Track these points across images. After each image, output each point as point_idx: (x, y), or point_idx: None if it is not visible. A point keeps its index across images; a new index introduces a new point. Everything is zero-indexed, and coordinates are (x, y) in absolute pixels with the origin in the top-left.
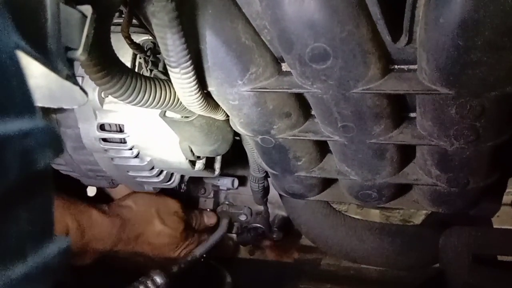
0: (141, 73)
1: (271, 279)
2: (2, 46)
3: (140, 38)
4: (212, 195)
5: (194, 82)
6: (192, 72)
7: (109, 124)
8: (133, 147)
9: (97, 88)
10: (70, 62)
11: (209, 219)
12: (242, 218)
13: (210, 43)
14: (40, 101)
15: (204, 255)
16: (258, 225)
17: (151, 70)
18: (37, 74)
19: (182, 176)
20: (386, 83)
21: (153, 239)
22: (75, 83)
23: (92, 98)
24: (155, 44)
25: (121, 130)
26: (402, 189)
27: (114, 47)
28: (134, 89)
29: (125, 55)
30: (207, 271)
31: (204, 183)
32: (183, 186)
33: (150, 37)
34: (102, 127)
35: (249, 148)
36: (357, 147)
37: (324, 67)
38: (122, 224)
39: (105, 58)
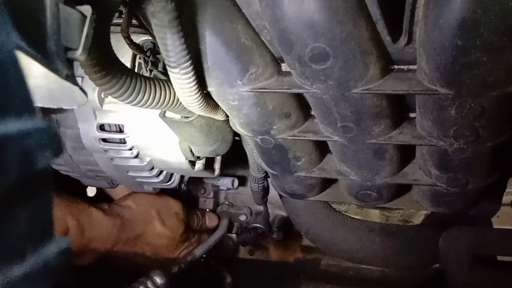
0: (140, 73)
1: (271, 279)
2: (2, 46)
3: (139, 38)
4: (212, 195)
5: (194, 82)
6: (192, 73)
7: (109, 125)
8: (132, 147)
9: (97, 88)
10: (70, 62)
11: (210, 221)
12: (242, 218)
13: (210, 43)
14: (39, 101)
15: (204, 255)
16: (258, 225)
17: (150, 70)
18: (36, 75)
19: (182, 176)
20: (386, 83)
21: (152, 239)
22: (75, 83)
23: (91, 99)
24: (154, 44)
25: (120, 131)
26: (402, 189)
27: (114, 47)
28: (134, 90)
29: (125, 55)
30: (207, 271)
31: (204, 183)
32: (183, 186)
33: (150, 37)
34: (101, 128)
35: (249, 148)
36: (357, 147)
37: (323, 67)
38: (122, 224)
39: (105, 58)
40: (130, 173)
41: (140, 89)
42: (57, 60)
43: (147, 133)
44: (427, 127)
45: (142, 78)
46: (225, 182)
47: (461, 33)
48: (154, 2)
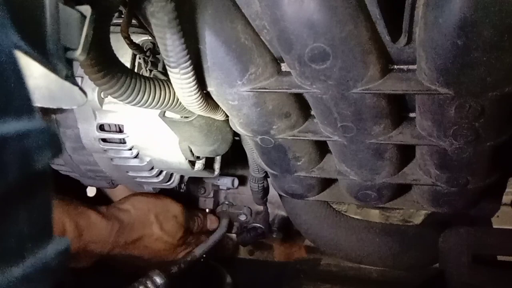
0: (140, 73)
1: (271, 279)
2: (2, 47)
3: (139, 38)
4: (212, 194)
5: (194, 82)
6: (192, 73)
7: (109, 125)
8: (132, 147)
9: (97, 88)
10: (69, 62)
11: (211, 223)
12: (242, 218)
13: (210, 43)
14: (39, 101)
15: (204, 255)
16: (258, 225)
17: (150, 70)
18: (36, 75)
19: (181, 176)
20: (386, 83)
21: (150, 244)
22: (75, 83)
23: (91, 99)
24: (154, 44)
25: (120, 131)
26: (402, 189)
27: (114, 47)
28: (134, 90)
29: (125, 55)
30: (207, 271)
31: (204, 183)
32: (182, 186)
33: (150, 38)
34: (101, 128)
35: (249, 148)
36: (357, 147)
37: (323, 67)
38: (120, 228)
39: (105, 58)
40: (130, 173)
41: (140, 89)
42: (57, 60)
43: (147, 133)
44: (426, 127)
45: (142, 78)
46: (225, 182)
47: (460, 33)
48: (154, 2)
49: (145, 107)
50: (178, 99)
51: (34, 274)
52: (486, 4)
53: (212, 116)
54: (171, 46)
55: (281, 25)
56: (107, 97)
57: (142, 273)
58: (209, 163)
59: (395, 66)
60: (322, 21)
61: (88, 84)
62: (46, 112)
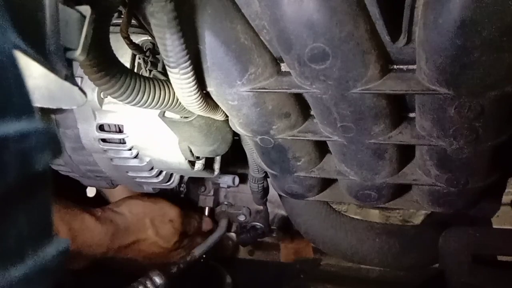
0: (140, 73)
1: (271, 279)
2: (1, 47)
3: (139, 38)
4: (212, 192)
5: (193, 82)
6: (191, 73)
7: (108, 125)
8: (132, 147)
9: (96, 88)
10: (69, 63)
11: (206, 226)
12: (241, 218)
13: (209, 43)
14: (39, 101)
15: (204, 256)
16: (258, 224)
17: (150, 71)
18: (36, 75)
19: (181, 177)
20: (385, 83)
21: (145, 248)
22: (74, 83)
23: (91, 99)
24: (154, 44)
25: (120, 131)
26: (402, 189)
27: (113, 48)
28: (133, 90)
29: (124, 55)
30: (207, 271)
31: (204, 181)
32: (182, 186)
33: (149, 38)
34: (101, 128)
35: (249, 148)
36: (357, 147)
37: (323, 67)
38: (115, 231)
39: (104, 59)
40: (130, 173)
41: (140, 89)
42: (56, 60)
43: (147, 133)
44: (426, 127)
45: (142, 78)
46: (226, 180)
47: (460, 33)
48: (153, 2)
49: (145, 107)
50: (177, 99)
51: (34, 274)
52: (486, 4)
53: (212, 116)
54: (170, 46)
55: (281, 25)
56: (106, 97)
57: (141, 273)
58: (209, 163)
59: (395, 66)
60: (321, 21)
61: (88, 84)
62: (46, 112)
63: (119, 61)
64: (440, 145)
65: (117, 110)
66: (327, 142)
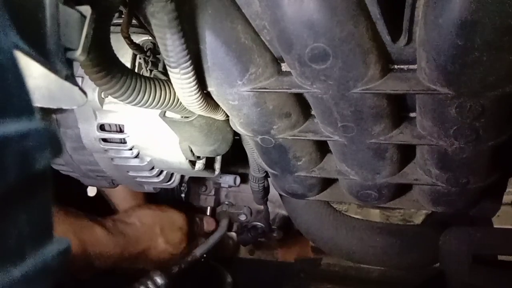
0: (141, 73)
1: (271, 279)
2: (1, 47)
3: (139, 38)
4: (213, 192)
5: (194, 82)
6: (192, 73)
7: (109, 124)
8: (133, 147)
9: (97, 88)
10: (70, 63)
11: (208, 226)
12: (242, 218)
13: (210, 43)
14: (39, 101)
15: (204, 255)
16: (258, 223)
17: (151, 71)
18: (36, 75)
19: (182, 176)
20: (386, 83)
21: (154, 256)
22: (75, 83)
23: (92, 99)
24: (154, 44)
25: (121, 130)
26: (402, 189)
27: (114, 48)
28: (134, 90)
29: (125, 55)
30: (208, 271)
31: (205, 181)
32: (183, 186)
33: (150, 38)
34: (102, 127)
35: (249, 148)
36: (357, 147)
37: (323, 67)
38: (125, 243)
39: (105, 59)
40: (131, 173)
41: (140, 89)
42: (57, 60)
43: (147, 133)
44: (427, 127)
45: (142, 78)
46: (227, 180)
47: (461, 33)
48: (154, 2)
49: (146, 107)
50: (178, 99)
51: (34, 275)
52: (486, 4)
53: (213, 116)
54: (171, 46)
55: (281, 25)
56: (107, 97)
57: (143, 273)
58: (209, 163)
59: (395, 66)
60: (322, 21)
61: (89, 84)
62: (46, 112)
63: (119, 61)
64: (440, 145)
65: (118, 110)
66: (328, 142)
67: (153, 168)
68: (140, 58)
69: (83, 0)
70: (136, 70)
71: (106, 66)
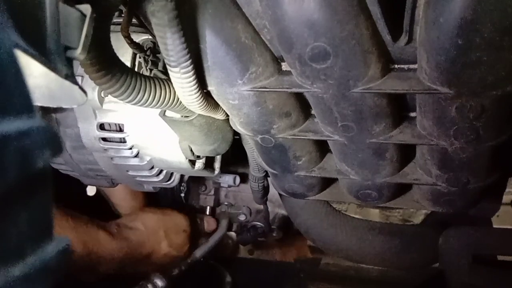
0: (140, 72)
1: (271, 279)
2: (1, 46)
3: (139, 37)
4: (212, 192)
5: (194, 81)
6: (192, 72)
7: (109, 124)
8: (132, 146)
9: (97, 87)
10: (69, 62)
11: (209, 226)
12: (242, 218)
13: (210, 42)
14: (39, 100)
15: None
16: (258, 223)
17: (150, 70)
18: (36, 74)
19: (182, 176)
20: (386, 83)
21: (157, 260)
22: (75, 82)
23: (91, 98)
24: (154, 43)
25: (120, 130)
26: (402, 189)
27: (114, 47)
28: (134, 89)
29: (125, 54)
30: (207, 271)
31: (205, 180)
32: (183, 185)
33: (150, 37)
34: (101, 127)
35: (249, 147)
36: (357, 147)
37: (324, 66)
38: (129, 248)
39: (105, 58)
40: (130, 172)
41: (140, 88)
42: (57, 59)
43: (147, 132)
44: (427, 127)
45: (142, 77)
46: (227, 179)
47: (461, 32)
48: (154, 1)
49: (145, 106)
50: (178, 98)
51: (35, 274)
52: (487, 3)
53: (213, 116)
54: (171, 45)
55: (282, 25)
56: (107, 96)
57: (143, 275)
58: (209, 162)
59: (396, 66)
60: (322, 21)
61: (88, 83)
62: (46, 111)
63: (119, 60)
64: (441, 145)
65: (118, 109)
66: (328, 141)
67: (152, 167)
68: (140, 57)
69: None
70: (136, 69)
71: (106, 65)
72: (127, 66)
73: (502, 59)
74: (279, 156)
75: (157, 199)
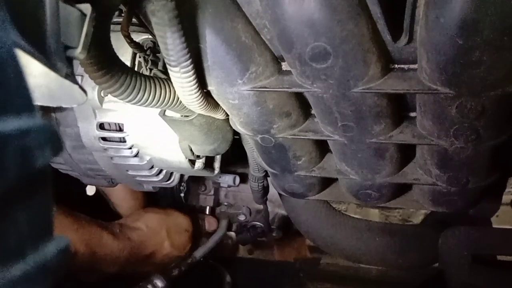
0: (140, 72)
1: (270, 278)
2: (1, 45)
3: (139, 37)
4: (212, 192)
5: (194, 81)
6: (192, 71)
7: (109, 123)
8: (132, 146)
9: (97, 87)
10: (69, 61)
11: (210, 226)
12: (241, 218)
13: (210, 42)
14: (39, 100)
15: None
16: (258, 223)
17: (150, 69)
18: (36, 73)
19: (181, 175)
20: (386, 83)
21: (159, 259)
22: (75, 81)
23: (91, 97)
24: (155, 43)
25: (120, 129)
26: (402, 189)
27: (114, 46)
28: (134, 88)
29: (125, 54)
30: (207, 271)
31: (204, 180)
32: (182, 185)
33: (150, 36)
34: (101, 126)
35: (249, 147)
36: (357, 147)
37: (324, 66)
38: (132, 248)
39: (105, 57)
40: (130, 172)
41: (140, 87)
42: (57, 59)
43: (147, 132)
44: (427, 127)
45: (142, 77)
46: (227, 179)
47: (461, 32)
48: (154, 1)
49: (145, 106)
50: (178, 98)
51: (35, 273)
52: (487, 3)
53: (212, 115)
54: (171, 45)
55: (282, 24)
56: (107, 95)
57: (142, 276)
58: (209, 162)
59: (396, 66)
60: (322, 20)
61: (88, 83)
62: (46, 110)
63: (119, 60)
64: (441, 145)
65: (118, 108)
66: (328, 141)
67: (152, 167)
68: (140, 57)
69: None
70: (136, 69)
71: (106, 65)
72: (127, 66)
73: (502, 59)
74: (279, 156)
75: (156, 199)
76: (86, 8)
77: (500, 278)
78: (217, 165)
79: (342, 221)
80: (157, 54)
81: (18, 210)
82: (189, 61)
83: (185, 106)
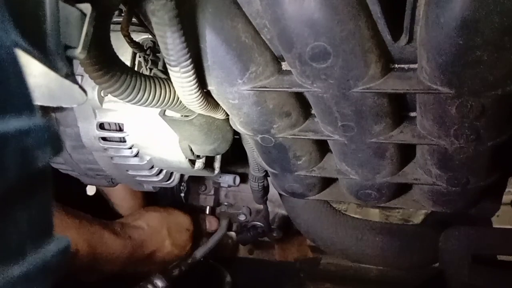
0: (140, 72)
1: (270, 278)
2: (1, 45)
3: (139, 36)
4: (212, 192)
5: (194, 81)
6: (192, 71)
7: (109, 123)
8: (132, 146)
9: (97, 87)
10: (69, 61)
11: (211, 225)
12: (242, 218)
13: (210, 42)
14: (39, 99)
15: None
16: (258, 223)
17: (150, 69)
18: (36, 73)
19: (181, 175)
20: (387, 83)
21: (159, 259)
22: (74, 81)
23: (91, 97)
24: (154, 43)
25: (120, 129)
26: (402, 189)
27: (114, 46)
28: (134, 88)
29: (125, 53)
30: (207, 271)
31: (205, 180)
32: (182, 185)
33: (150, 36)
34: (101, 126)
35: (249, 147)
36: (357, 147)
37: (324, 66)
38: (133, 247)
39: (105, 57)
40: (130, 172)
41: (140, 87)
42: (57, 58)
43: (147, 132)
44: (427, 126)
45: (142, 77)
46: (227, 179)
47: (462, 32)
48: (154, 1)
49: (145, 106)
50: (178, 98)
51: (35, 273)
52: (487, 3)
53: (212, 115)
54: (171, 45)
55: (282, 24)
56: (107, 95)
57: (143, 276)
58: (209, 162)
59: (396, 65)
60: (323, 20)
61: (88, 83)
62: (46, 110)
63: (119, 60)
64: (441, 145)
65: (118, 108)
66: (328, 141)
67: (152, 167)
68: (140, 57)
69: None
70: (136, 69)
71: (106, 65)
72: (127, 66)
73: (502, 59)
74: (279, 156)
75: (156, 199)
76: (86, 8)
77: (500, 278)
78: (217, 165)
79: (342, 221)
80: (157, 54)
81: (18, 210)
82: (189, 61)
83: (185, 106)
